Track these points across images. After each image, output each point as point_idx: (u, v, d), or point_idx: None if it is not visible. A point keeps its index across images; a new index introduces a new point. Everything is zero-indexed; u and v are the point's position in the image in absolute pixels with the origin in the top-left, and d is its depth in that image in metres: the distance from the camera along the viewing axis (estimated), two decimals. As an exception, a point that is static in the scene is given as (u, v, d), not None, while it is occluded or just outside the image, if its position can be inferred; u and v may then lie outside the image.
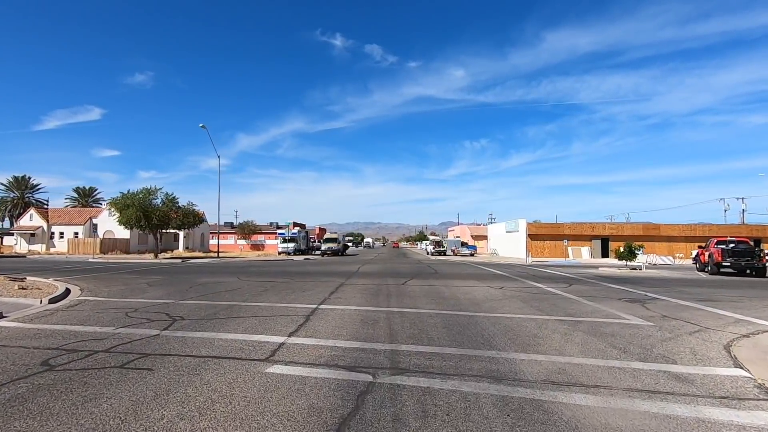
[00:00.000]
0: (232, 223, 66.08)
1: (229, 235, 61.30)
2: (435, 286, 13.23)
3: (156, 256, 31.45)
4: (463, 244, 56.03)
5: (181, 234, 49.55)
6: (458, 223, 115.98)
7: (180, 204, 32.48)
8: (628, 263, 21.97)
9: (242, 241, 59.99)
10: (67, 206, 56.33)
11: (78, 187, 60.46)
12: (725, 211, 67.25)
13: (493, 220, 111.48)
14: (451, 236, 79.93)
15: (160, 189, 31.64)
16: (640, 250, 21.20)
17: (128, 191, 30.89)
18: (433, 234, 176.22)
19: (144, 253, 44.14)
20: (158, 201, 31.48)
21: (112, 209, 30.61)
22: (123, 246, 42.23)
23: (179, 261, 28.57)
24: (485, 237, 64.00)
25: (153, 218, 29.74)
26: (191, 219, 31.77)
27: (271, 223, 63.12)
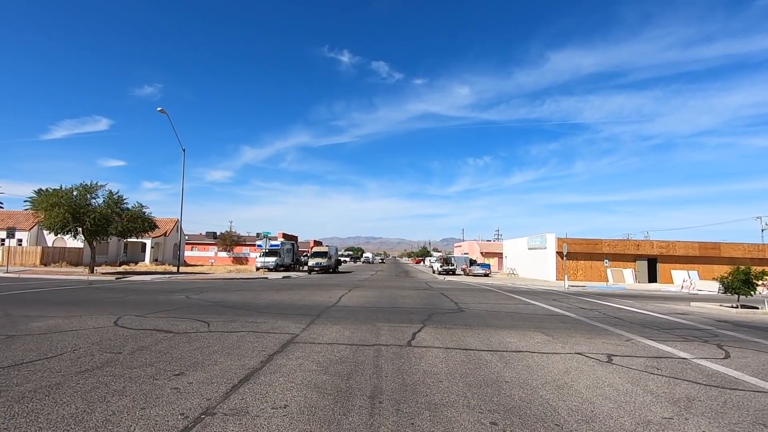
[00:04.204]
0: (215, 233, 59.30)
1: (209, 247, 54.68)
2: (475, 353, 6.57)
3: (92, 271, 24.85)
4: (473, 262, 49.33)
5: (149, 244, 42.99)
6: (462, 239, 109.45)
7: (129, 206, 26.03)
8: (741, 298, 14.96)
9: (223, 254, 53.27)
10: (27, 209, 49.78)
11: (40, 189, 53.73)
12: (762, 230, 60.96)
13: (500, 237, 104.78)
14: (457, 252, 73.17)
15: (103, 186, 25.26)
16: (760, 279, 14.43)
17: (61, 186, 24.53)
18: (436, 250, 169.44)
19: (101, 265, 37.63)
20: (99, 201, 25.07)
21: (38, 209, 24.15)
22: (73, 256, 35.66)
23: (112, 279, 21.96)
24: (497, 254, 57.25)
25: (86, 222, 23.23)
26: (139, 225, 25.23)
27: (258, 234, 56.47)
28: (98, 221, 23.50)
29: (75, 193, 24.08)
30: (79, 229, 23.92)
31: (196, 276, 25.86)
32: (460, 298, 15.72)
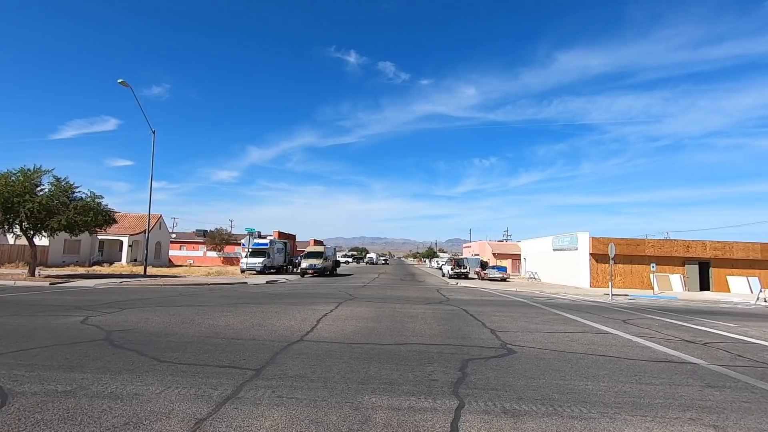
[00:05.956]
0: (204, 231, 54.90)
1: (198, 246, 50.45)
2: None
3: (33, 273, 20.60)
4: (485, 264, 44.68)
5: (125, 242, 38.78)
6: (470, 240, 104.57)
7: (83, 195, 21.70)
8: None
9: (213, 254, 49.00)
10: None
11: None
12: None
13: (509, 237, 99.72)
14: (466, 253, 68.46)
15: (50, 171, 20.93)
16: None
17: (-3, 171, 20.17)
18: (441, 251, 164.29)
19: (69, 265, 33.53)
20: (46, 189, 20.79)
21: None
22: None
23: (46, 284, 17.66)
24: (511, 255, 52.52)
25: (21, 213, 18.94)
26: (90, 218, 20.89)
27: (251, 232, 52.14)
28: (37, 213, 19.19)
29: (12, 179, 19.79)
30: (15, 222, 19.67)
31: (161, 280, 21.53)
32: (494, 319, 11.14)
